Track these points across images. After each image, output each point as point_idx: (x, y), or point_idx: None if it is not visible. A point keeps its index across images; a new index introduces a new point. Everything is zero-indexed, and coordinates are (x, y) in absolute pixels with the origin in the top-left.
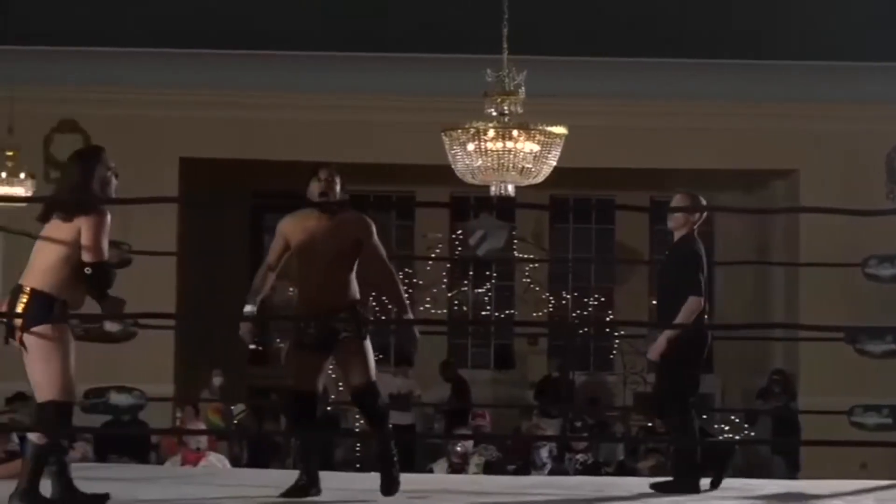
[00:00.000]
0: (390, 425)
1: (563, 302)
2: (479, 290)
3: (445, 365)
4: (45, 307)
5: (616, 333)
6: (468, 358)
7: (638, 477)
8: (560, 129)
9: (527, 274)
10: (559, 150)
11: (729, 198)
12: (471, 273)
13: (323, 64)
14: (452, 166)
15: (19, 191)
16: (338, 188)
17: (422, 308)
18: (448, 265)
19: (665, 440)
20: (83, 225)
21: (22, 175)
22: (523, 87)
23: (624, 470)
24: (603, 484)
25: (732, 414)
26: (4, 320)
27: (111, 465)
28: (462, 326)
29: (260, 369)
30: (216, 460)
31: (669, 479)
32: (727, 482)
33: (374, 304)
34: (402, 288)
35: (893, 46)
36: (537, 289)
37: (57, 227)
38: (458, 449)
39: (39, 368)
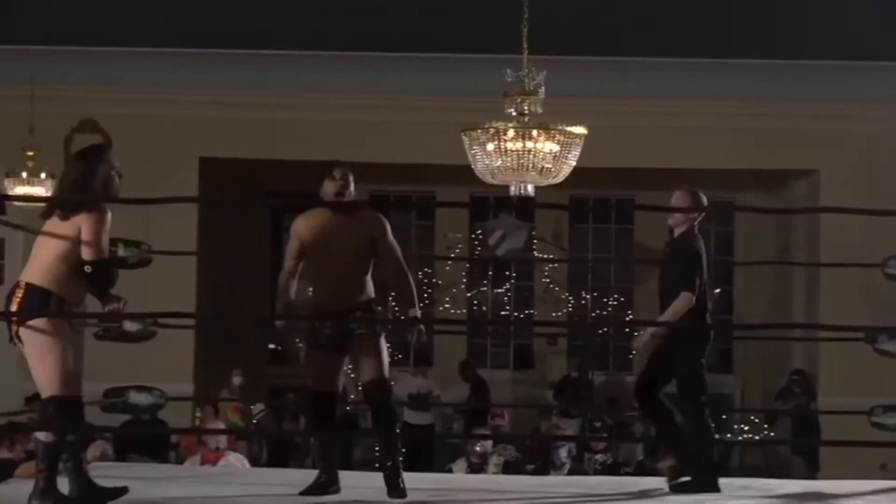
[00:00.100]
0: (407, 423)
1: (583, 302)
2: (499, 290)
3: (465, 365)
4: (39, 301)
5: (635, 333)
6: (487, 358)
7: (657, 477)
8: (580, 129)
9: (546, 274)
10: (579, 150)
11: (750, 198)
12: (490, 273)
13: (344, 64)
14: (472, 166)
15: (40, 191)
16: (352, 187)
17: (441, 308)
18: (468, 265)
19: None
20: (83, 223)
21: (42, 175)
22: (543, 87)
23: (643, 470)
24: (622, 484)
25: (752, 414)
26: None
27: (131, 464)
28: (481, 326)
29: (279, 369)
30: (235, 460)
31: (688, 478)
32: (747, 481)
33: (392, 303)
34: (415, 288)
35: None
36: (557, 289)
37: (56, 224)
38: (478, 449)
39: (38, 364)
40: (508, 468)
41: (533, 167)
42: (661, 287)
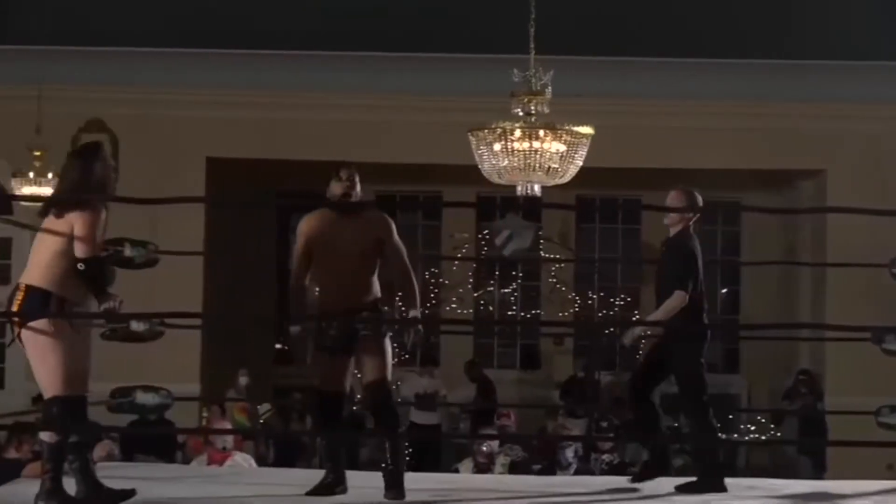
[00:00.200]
0: (413, 423)
1: (589, 302)
2: (506, 290)
3: (471, 365)
4: (39, 302)
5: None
6: (494, 358)
7: (664, 477)
8: (586, 129)
9: (553, 274)
10: (585, 149)
11: (756, 198)
12: (497, 273)
13: (350, 64)
14: (479, 166)
15: (47, 191)
16: (358, 188)
17: (448, 308)
18: (474, 265)
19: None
20: (76, 220)
21: (49, 175)
22: (550, 87)
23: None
24: (629, 484)
25: (758, 414)
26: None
27: (137, 464)
28: (488, 326)
29: (285, 369)
30: (242, 460)
31: (693, 479)
32: (753, 481)
33: (399, 303)
34: (418, 289)
35: None
36: (563, 289)
37: (52, 223)
38: (484, 449)
39: (39, 365)
40: (515, 468)
41: (540, 167)
42: (657, 286)
